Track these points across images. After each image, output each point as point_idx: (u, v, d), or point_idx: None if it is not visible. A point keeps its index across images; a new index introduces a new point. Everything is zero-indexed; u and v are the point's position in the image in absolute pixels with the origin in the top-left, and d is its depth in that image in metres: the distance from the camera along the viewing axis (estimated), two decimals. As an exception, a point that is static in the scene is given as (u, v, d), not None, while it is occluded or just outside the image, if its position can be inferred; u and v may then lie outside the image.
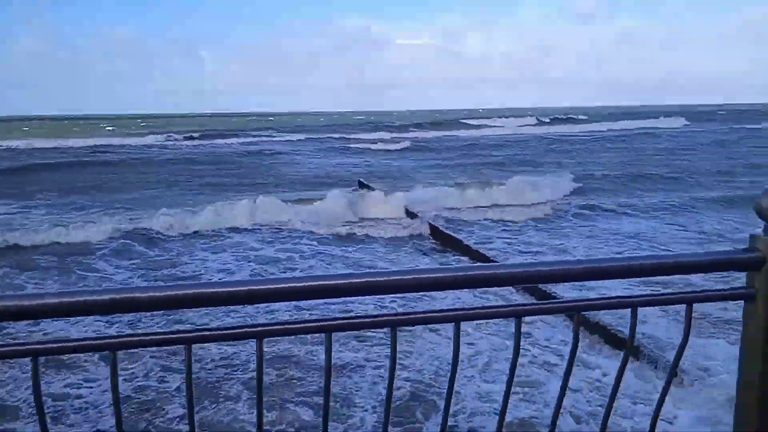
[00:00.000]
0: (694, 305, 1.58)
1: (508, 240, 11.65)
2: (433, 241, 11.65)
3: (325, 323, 1.38)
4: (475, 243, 10.96)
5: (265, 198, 14.18)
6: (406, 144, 36.84)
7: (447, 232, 11.72)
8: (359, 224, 12.96)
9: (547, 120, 70.85)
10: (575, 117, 79.01)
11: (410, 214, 13.63)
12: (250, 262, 10.23)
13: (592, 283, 6.95)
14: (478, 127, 61.07)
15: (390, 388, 1.51)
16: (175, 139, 45.88)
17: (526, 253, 10.69)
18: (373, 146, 36.40)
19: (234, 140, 44.68)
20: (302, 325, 1.37)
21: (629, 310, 1.55)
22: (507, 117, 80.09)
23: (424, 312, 1.45)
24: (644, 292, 1.68)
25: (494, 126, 62.19)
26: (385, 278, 1.36)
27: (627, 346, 1.57)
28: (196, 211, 13.51)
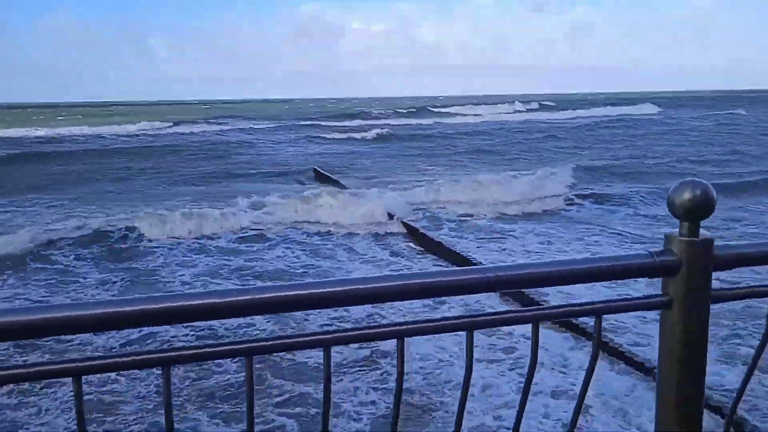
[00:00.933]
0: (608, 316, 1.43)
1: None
2: (414, 245, 11.22)
3: (324, 337, 1.24)
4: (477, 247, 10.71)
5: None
6: (375, 133, 36.14)
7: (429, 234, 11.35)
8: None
9: (522, 108, 70.62)
10: (547, 104, 79.37)
11: (389, 217, 12.81)
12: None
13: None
14: (452, 115, 60.94)
15: (397, 407, 1.36)
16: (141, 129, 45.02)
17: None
18: (341, 135, 35.85)
19: (198, 128, 44.21)
20: (297, 339, 1.25)
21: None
22: (479, 104, 79.43)
23: (434, 321, 1.32)
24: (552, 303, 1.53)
25: (468, 114, 61.69)
26: (365, 286, 1.24)
27: (530, 361, 1.40)
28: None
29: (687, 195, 1.38)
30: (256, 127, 44.91)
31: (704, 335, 1.43)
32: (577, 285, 1.46)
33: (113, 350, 6.66)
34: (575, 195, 15.04)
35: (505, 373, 6.06)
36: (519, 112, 65.45)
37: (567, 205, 14.35)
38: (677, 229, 1.41)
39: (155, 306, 1.13)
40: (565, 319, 6.53)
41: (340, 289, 1.23)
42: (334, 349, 1.27)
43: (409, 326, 1.29)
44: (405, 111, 65.05)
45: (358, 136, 34.65)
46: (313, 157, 26.00)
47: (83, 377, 1.14)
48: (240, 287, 1.24)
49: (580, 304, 1.43)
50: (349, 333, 1.28)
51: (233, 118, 58.47)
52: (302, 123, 47.34)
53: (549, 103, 79.51)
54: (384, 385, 5.86)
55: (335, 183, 17.95)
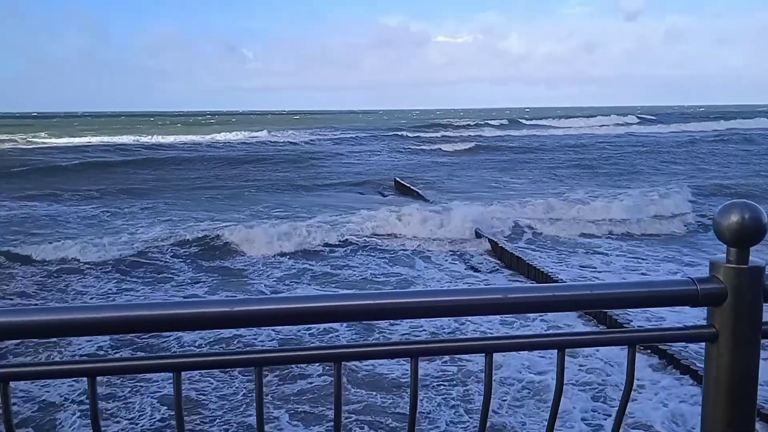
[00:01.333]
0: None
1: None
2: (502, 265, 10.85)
3: (335, 351, 1.22)
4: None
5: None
6: (467, 146, 35.60)
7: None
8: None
9: (620, 122, 67.50)
10: (646, 117, 75.90)
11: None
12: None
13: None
14: (545, 127, 59.37)
15: (483, 424, 1.31)
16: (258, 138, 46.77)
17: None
18: (442, 146, 35.32)
19: (289, 137, 45.64)
20: (307, 352, 1.25)
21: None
22: (572, 117, 76.34)
23: (449, 341, 1.35)
24: (585, 329, 1.45)
25: (562, 126, 59.65)
26: (405, 300, 1.21)
27: (556, 390, 1.34)
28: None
29: (735, 218, 1.27)
30: (343, 136, 45.82)
31: (754, 372, 1.32)
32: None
33: (208, 348, 7.00)
34: (697, 216, 13.98)
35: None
36: (618, 125, 62.59)
37: (688, 226, 13.40)
38: (724, 255, 1.30)
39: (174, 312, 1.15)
40: (601, 346, 6.26)
41: (410, 300, 1.21)
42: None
43: (499, 341, 1.26)
44: (497, 123, 64.11)
45: (449, 148, 34.44)
46: (408, 166, 25.99)
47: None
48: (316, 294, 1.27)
49: (616, 332, 1.36)
50: (437, 345, 1.25)
51: (321, 128, 59.90)
52: (399, 133, 47.55)
53: (648, 117, 76.00)
54: (470, 404, 5.79)
55: (415, 194, 17.96)
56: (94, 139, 43.91)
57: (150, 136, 47.12)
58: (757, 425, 1.39)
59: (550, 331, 1.40)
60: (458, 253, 11.48)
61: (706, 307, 1.32)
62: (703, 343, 1.32)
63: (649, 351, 6.74)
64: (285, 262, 10.96)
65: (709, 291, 1.28)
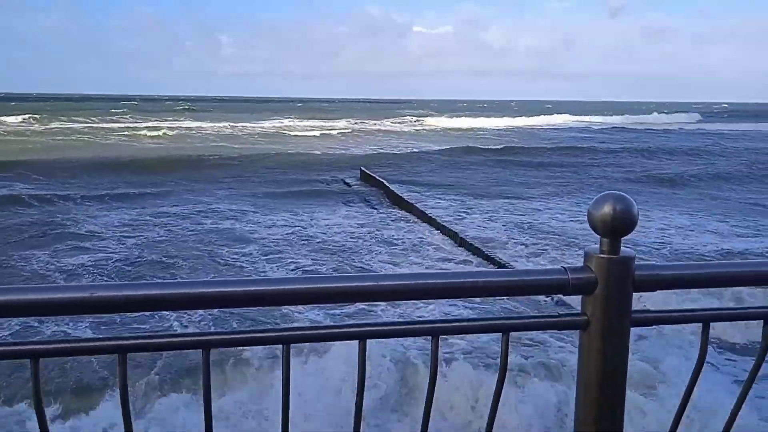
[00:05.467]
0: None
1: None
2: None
3: (284, 334, 1.25)
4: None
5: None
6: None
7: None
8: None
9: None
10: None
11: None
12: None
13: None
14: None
15: (359, 410, 1.34)
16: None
17: None
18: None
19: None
20: (257, 335, 1.23)
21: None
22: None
23: (397, 323, 1.31)
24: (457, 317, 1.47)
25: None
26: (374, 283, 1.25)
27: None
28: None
29: (607, 209, 1.29)
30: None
31: (623, 359, 1.35)
32: None
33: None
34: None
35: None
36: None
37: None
38: (597, 245, 1.33)
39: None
40: (471, 334, 6.42)
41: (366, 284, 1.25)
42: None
43: (443, 325, 1.29)
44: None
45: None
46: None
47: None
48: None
49: (488, 319, 1.37)
50: (386, 327, 1.29)
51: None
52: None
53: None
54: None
55: (381, 185, 17.97)
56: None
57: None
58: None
59: (423, 318, 1.41)
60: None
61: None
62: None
63: None
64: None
65: (580, 280, 1.30)
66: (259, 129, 43.31)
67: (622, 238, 1.31)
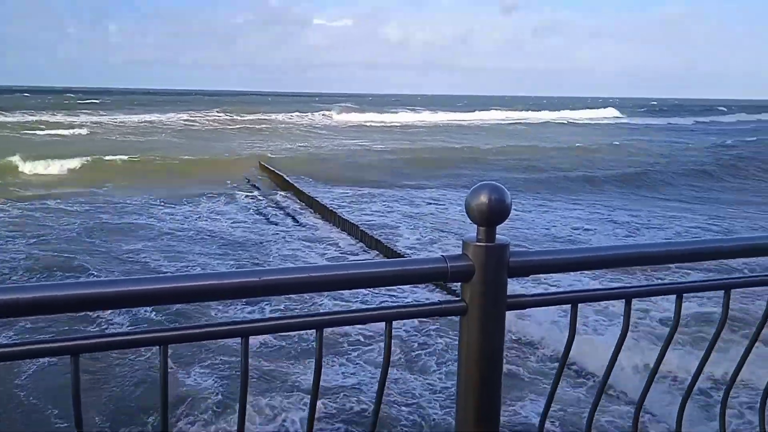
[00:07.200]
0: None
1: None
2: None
3: (243, 326, 1.24)
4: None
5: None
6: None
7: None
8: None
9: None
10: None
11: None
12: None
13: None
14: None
15: (314, 398, 1.35)
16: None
17: None
18: None
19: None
20: (214, 329, 1.24)
21: None
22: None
23: (353, 311, 1.34)
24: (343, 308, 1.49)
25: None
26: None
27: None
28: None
29: (483, 199, 1.34)
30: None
31: (500, 341, 1.41)
32: None
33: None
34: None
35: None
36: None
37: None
38: (475, 234, 1.38)
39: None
40: (357, 324, 6.76)
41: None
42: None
43: (327, 317, 1.30)
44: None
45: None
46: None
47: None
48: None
49: (372, 309, 1.39)
50: (266, 323, 1.27)
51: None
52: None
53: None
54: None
55: (279, 177, 17.80)
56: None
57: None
58: None
59: (310, 311, 1.43)
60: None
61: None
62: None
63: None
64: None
65: (458, 268, 1.35)
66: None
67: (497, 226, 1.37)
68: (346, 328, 6.77)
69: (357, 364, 6.32)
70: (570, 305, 1.50)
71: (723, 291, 1.65)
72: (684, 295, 1.60)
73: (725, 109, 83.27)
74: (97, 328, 6.90)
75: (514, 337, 6.82)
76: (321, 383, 1.37)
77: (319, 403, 5.29)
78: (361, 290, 7.73)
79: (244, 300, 7.32)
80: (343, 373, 6.13)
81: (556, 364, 1.63)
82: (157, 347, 1.20)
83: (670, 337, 1.62)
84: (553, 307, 1.57)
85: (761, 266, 7.20)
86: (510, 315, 1.43)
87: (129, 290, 1.13)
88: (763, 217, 14.40)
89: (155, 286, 1.17)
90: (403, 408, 5.51)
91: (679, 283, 1.63)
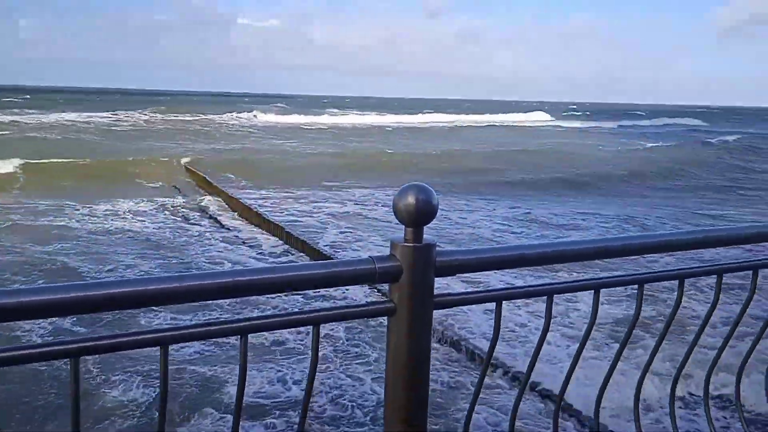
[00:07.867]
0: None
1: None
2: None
3: (162, 335, 1.21)
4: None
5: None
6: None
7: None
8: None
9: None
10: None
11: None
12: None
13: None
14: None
15: (239, 402, 1.34)
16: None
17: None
18: None
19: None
20: (134, 338, 1.19)
21: None
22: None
23: (278, 315, 1.30)
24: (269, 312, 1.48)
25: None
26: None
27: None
28: None
29: (410, 200, 1.36)
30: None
31: (428, 343, 1.43)
32: None
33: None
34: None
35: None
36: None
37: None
38: (402, 235, 1.38)
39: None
40: (284, 329, 6.80)
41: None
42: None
43: (251, 323, 1.28)
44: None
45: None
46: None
47: None
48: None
49: (300, 313, 1.38)
50: (187, 331, 1.24)
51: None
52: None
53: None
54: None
55: (203, 179, 17.44)
56: None
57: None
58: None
59: (233, 317, 1.40)
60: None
61: None
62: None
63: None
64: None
65: (386, 269, 1.35)
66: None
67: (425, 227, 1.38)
68: (285, 335, 6.67)
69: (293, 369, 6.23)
70: (495, 303, 1.54)
71: (637, 286, 1.75)
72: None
73: (644, 114, 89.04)
74: None
75: (443, 337, 6.93)
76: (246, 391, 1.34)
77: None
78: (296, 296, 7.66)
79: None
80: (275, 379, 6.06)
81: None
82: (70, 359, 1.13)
83: (589, 330, 1.69)
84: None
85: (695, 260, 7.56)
86: (439, 314, 1.45)
87: (28, 301, 1.05)
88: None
89: (60, 296, 1.08)
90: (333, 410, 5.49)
91: (596, 279, 1.70)
